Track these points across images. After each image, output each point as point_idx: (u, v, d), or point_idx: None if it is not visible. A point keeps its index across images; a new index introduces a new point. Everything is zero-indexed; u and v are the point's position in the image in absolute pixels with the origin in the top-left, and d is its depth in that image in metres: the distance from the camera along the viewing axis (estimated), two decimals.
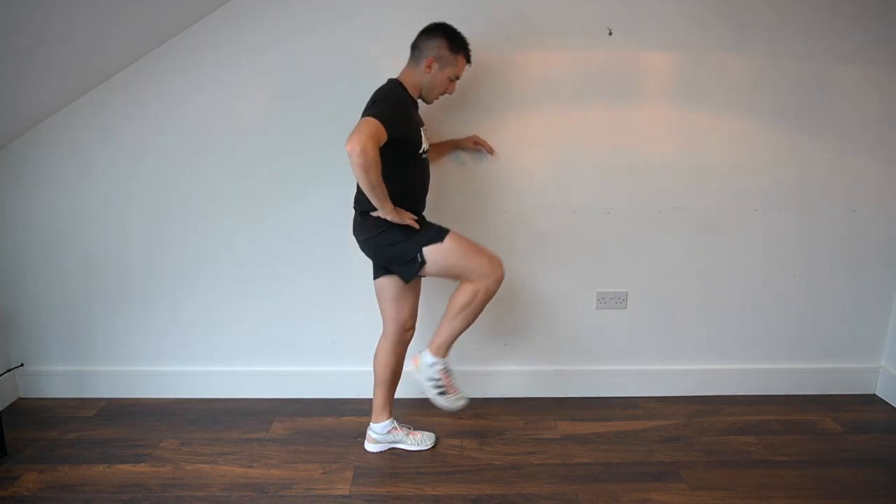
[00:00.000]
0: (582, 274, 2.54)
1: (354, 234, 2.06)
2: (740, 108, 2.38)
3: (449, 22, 2.00)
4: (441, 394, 2.10)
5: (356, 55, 2.28)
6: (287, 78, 2.31)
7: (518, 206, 2.45)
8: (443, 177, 2.37)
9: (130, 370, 2.59)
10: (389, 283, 2.08)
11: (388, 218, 1.88)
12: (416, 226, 1.94)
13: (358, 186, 1.98)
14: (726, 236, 2.51)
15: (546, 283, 2.54)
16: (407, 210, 1.94)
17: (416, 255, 1.95)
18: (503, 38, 2.28)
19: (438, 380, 2.08)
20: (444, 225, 2.03)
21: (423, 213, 2.10)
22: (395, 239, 1.94)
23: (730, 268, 2.55)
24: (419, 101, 2.05)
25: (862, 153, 2.44)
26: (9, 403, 2.56)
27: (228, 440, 2.31)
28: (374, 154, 1.73)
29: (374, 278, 2.12)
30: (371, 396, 2.24)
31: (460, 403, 2.14)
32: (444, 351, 2.06)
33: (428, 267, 1.96)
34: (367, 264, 2.12)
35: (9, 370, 2.55)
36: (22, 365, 2.59)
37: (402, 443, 2.25)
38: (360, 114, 1.85)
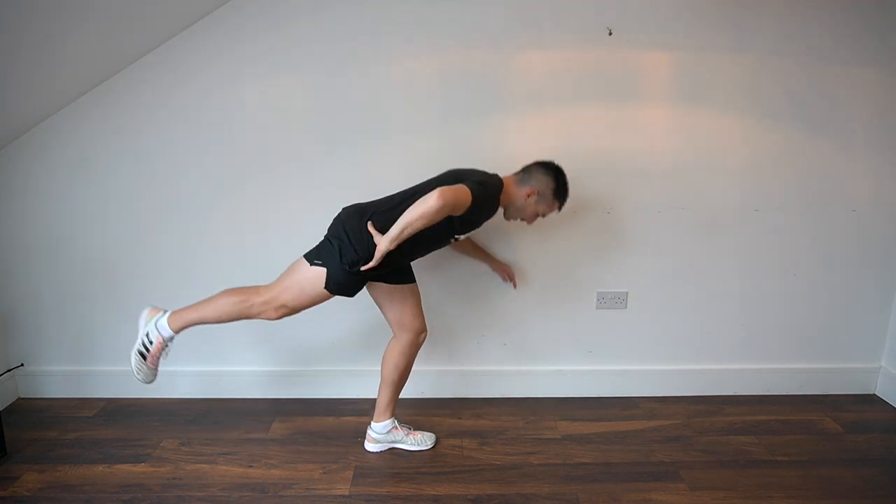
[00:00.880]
0: (582, 274, 2.54)
1: (341, 226, 1.99)
2: (740, 108, 2.38)
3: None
4: (140, 354, 2.03)
5: (356, 55, 2.28)
6: (288, 78, 2.31)
7: None
8: None
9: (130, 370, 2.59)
10: (377, 290, 2.11)
11: (380, 246, 1.87)
12: (377, 263, 1.91)
13: (386, 208, 1.96)
14: (726, 236, 2.51)
15: (546, 283, 2.55)
16: (397, 248, 1.89)
17: (334, 265, 1.95)
18: (503, 37, 2.28)
19: (151, 343, 2.03)
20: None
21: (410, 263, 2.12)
22: (347, 249, 1.93)
23: (730, 268, 2.55)
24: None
25: (862, 153, 2.44)
26: (9, 403, 2.56)
27: (228, 440, 2.31)
28: (441, 216, 1.81)
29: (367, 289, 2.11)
30: (374, 396, 2.24)
31: (140, 378, 2.06)
32: (178, 327, 2.02)
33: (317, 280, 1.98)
34: None
35: (9, 370, 2.55)
36: (22, 365, 2.59)
37: (403, 443, 2.25)
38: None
